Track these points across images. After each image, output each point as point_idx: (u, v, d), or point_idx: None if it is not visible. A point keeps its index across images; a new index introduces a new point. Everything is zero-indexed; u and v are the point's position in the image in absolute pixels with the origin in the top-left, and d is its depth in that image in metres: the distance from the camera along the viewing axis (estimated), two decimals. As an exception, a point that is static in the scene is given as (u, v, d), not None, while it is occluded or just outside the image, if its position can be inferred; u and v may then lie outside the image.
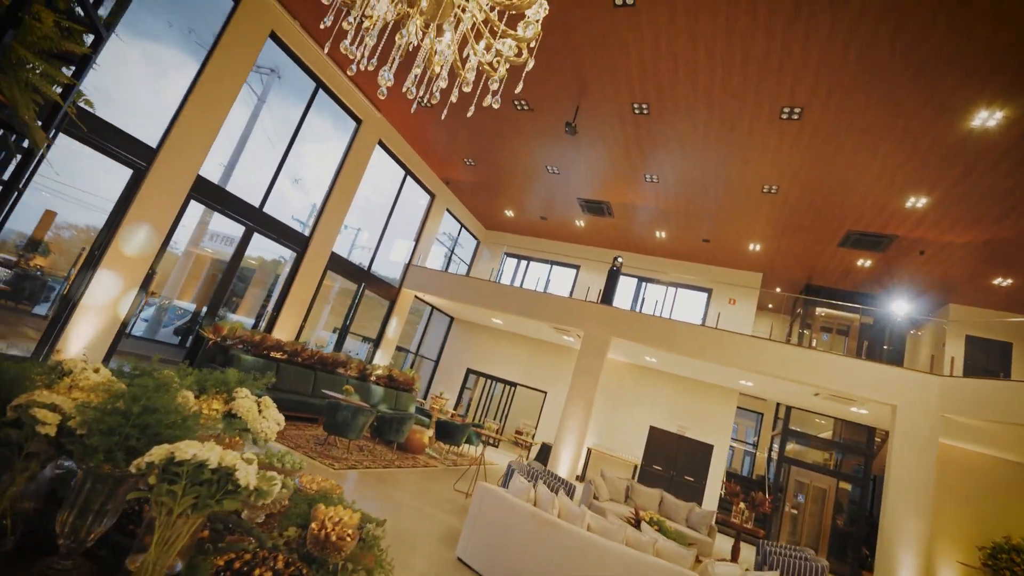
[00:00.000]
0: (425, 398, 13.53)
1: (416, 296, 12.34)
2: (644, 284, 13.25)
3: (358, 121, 9.53)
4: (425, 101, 2.57)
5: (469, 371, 14.02)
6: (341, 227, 9.67)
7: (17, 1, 1.13)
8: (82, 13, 1.47)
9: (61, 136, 5.68)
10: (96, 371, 1.51)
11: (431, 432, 9.10)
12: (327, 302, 14.11)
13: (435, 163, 11.46)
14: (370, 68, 2.39)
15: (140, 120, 6.44)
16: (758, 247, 10.64)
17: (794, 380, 8.51)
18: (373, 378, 10.07)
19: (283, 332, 8.70)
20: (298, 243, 8.93)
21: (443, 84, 2.54)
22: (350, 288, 10.95)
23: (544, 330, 11.71)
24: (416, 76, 2.37)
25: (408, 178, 11.43)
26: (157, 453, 1.03)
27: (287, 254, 9.28)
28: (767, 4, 5.03)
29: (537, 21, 2.39)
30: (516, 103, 7.94)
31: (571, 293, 13.42)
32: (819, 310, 12.45)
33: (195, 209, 11.38)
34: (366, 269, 10.91)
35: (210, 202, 7.36)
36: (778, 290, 12.76)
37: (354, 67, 2.42)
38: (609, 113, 7.50)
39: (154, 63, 9.85)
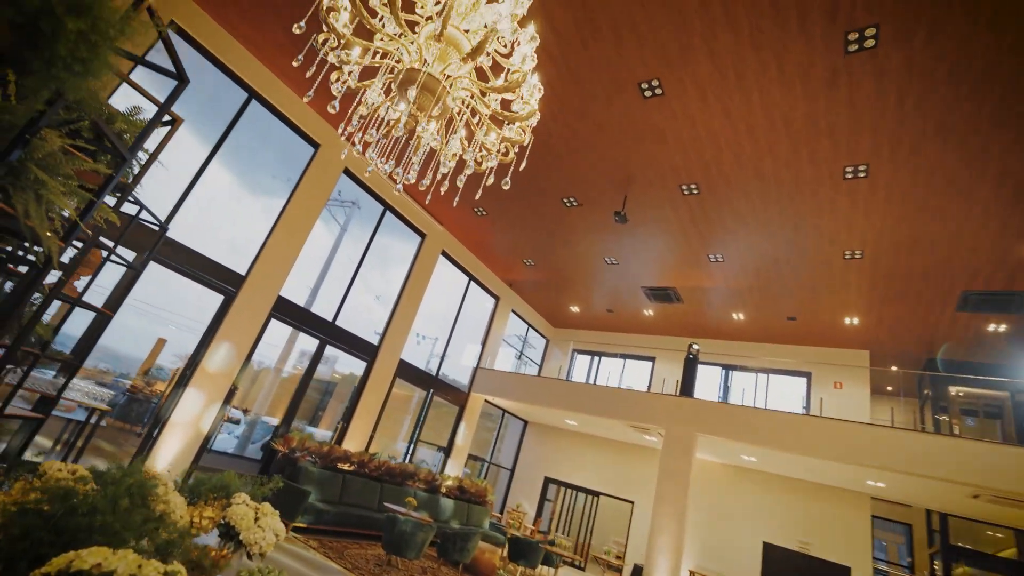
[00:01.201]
0: (501, 512, 12.60)
1: (486, 400, 12.10)
2: (729, 372, 12.08)
3: (422, 235, 10.27)
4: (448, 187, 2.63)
5: (547, 480, 13.03)
6: (408, 335, 10.00)
7: (30, 122, 1.29)
8: (110, 142, 1.68)
9: (169, 272, 6.60)
10: (72, 472, 1.47)
11: (504, 551, 8.27)
12: (405, 412, 14.24)
13: (497, 267, 11.86)
14: (390, 171, 2.50)
15: (234, 250, 7.36)
16: (855, 321, 9.46)
17: (938, 478, 6.91)
18: (443, 490, 9.61)
19: (353, 443, 8.74)
20: (368, 353, 9.28)
21: (450, 168, 2.60)
22: (422, 396, 11.01)
23: (622, 430, 10.80)
24: (417, 159, 2.45)
25: (472, 283, 11.86)
26: (56, 563, 0.91)
27: (360, 366, 9.64)
28: (798, 72, 4.97)
29: (533, 100, 2.45)
30: (565, 200, 8.19)
31: (649, 387, 12.51)
32: (954, 389, 10.48)
33: (283, 329, 12.33)
34: (434, 375, 11.00)
35: (288, 319, 7.98)
36: (894, 369, 11.03)
37: (371, 167, 2.55)
38: (658, 198, 7.47)
39: (248, 202, 11.54)
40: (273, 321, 7.71)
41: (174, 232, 6.51)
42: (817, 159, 5.96)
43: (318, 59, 2.30)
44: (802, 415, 8.52)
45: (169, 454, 6.34)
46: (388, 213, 9.62)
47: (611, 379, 13.37)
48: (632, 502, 11.59)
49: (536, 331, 14.36)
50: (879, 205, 6.41)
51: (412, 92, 1.97)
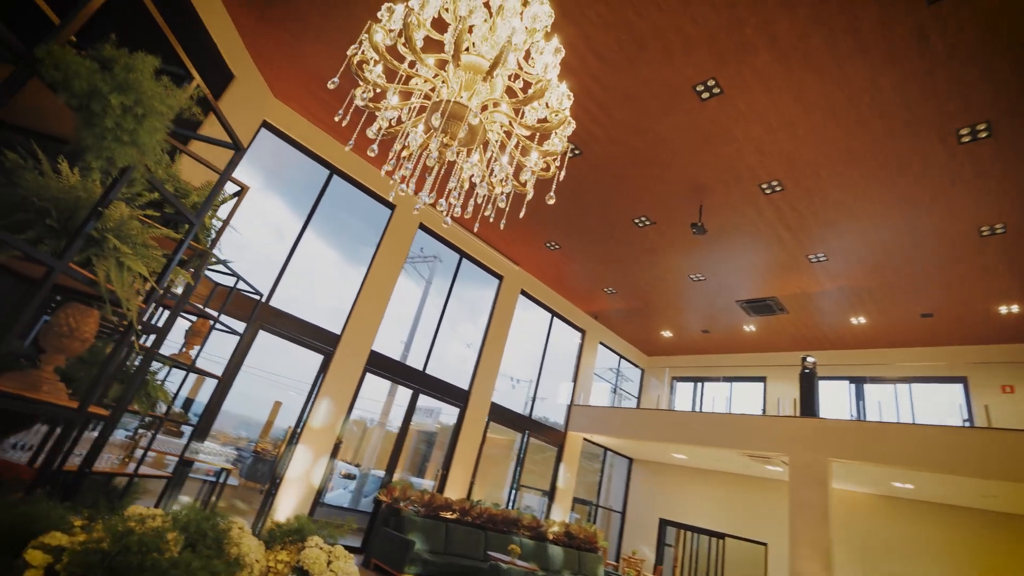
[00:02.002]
0: (616, 559, 11.74)
1: (585, 438, 11.61)
2: (860, 385, 10.55)
3: (499, 277, 10.44)
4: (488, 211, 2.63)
5: (663, 522, 12.00)
6: (497, 378, 10.01)
7: (103, 195, 1.46)
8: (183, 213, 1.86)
9: (275, 338, 7.27)
10: (152, 516, 1.54)
11: (622, 603, 7.60)
12: (504, 457, 14.11)
13: (578, 299, 11.65)
14: (430, 202, 2.53)
15: (329, 312, 7.97)
16: (1014, 309, 7.88)
17: None
18: (550, 536, 9.19)
19: (454, 491, 8.73)
20: (460, 399, 9.40)
21: (495, 193, 2.58)
22: (519, 439, 10.85)
23: (739, 461, 9.74)
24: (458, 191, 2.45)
25: (555, 319, 11.72)
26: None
27: (454, 412, 9.77)
28: (876, 37, 4.45)
29: (566, 137, 2.39)
30: (637, 221, 7.92)
31: (763, 410, 11.27)
32: None
33: (381, 384, 12.92)
34: (527, 416, 10.83)
35: (381, 372, 8.35)
36: (1083, 363, 8.94)
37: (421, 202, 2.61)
38: (738, 202, 6.95)
39: (340, 266, 12.51)
40: (368, 375, 8.11)
41: (277, 301, 7.21)
42: (919, 127, 5.21)
43: (364, 115, 2.46)
44: (964, 428, 7.11)
45: (287, 509, 6.74)
46: (464, 260, 9.94)
47: (717, 405, 12.27)
48: (764, 544, 10.24)
49: (629, 361, 13.73)
50: (1013, 166, 5.41)
51: (436, 120, 2.00)
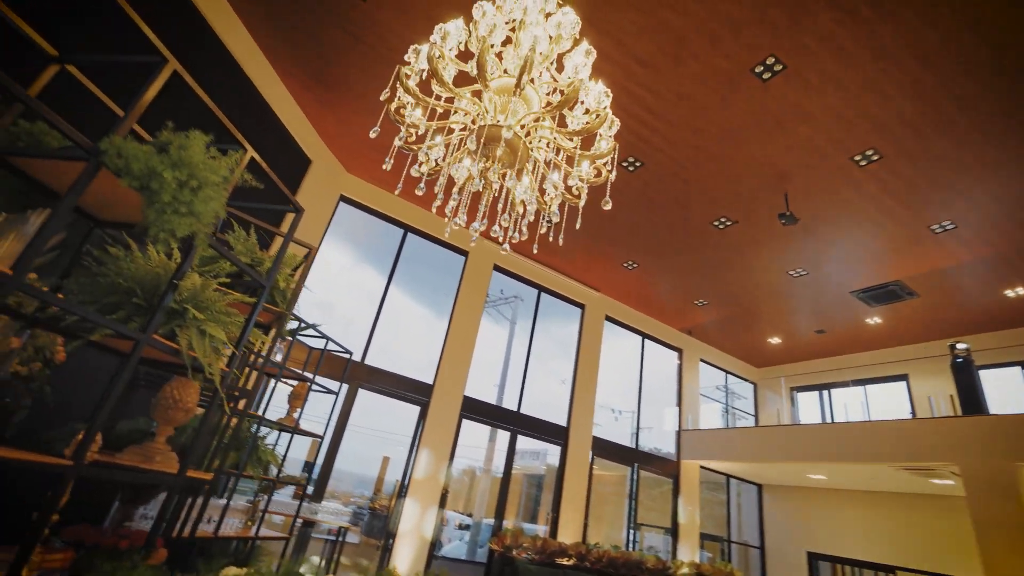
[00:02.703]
0: (764, 603, 10.36)
1: (701, 466, 10.66)
2: (1036, 370, 8.72)
3: (581, 306, 10.20)
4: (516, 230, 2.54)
5: (812, 556, 10.48)
6: (594, 410, 9.60)
7: (178, 268, 1.57)
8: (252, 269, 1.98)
9: (373, 394, 7.59)
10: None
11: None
12: (617, 494, 13.34)
13: (668, 317, 11.03)
14: (482, 229, 2.48)
15: (421, 363, 8.21)
16: None
17: None
18: (680, 579, 8.35)
19: (567, 534, 8.32)
20: (559, 436, 9.10)
21: (551, 209, 2.49)
22: (629, 474, 10.21)
23: (894, 476, 8.32)
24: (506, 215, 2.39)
25: (646, 341, 11.15)
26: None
27: (556, 451, 9.46)
28: (963, -38, 3.89)
29: (612, 136, 2.27)
30: (716, 223, 7.41)
31: (912, 413, 9.66)
32: None
33: (481, 429, 12.99)
34: (634, 448, 10.20)
35: (476, 416, 8.35)
36: None
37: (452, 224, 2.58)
38: (829, 180, 6.26)
39: (425, 317, 12.95)
40: (465, 422, 8.14)
41: (371, 359, 7.56)
42: (1045, 52, 4.40)
43: (409, 158, 2.53)
44: None
45: (404, 563, 6.78)
46: (543, 294, 9.88)
47: (852, 413, 10.74)
48: (950, 576, 8.50)
49: (737, 377, 12.59)
50: None
51: (473, 144, 1.98)
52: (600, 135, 2.29)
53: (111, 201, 1.53)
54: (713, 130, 5.80)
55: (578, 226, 2.65)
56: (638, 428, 10.43)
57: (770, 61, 4.84)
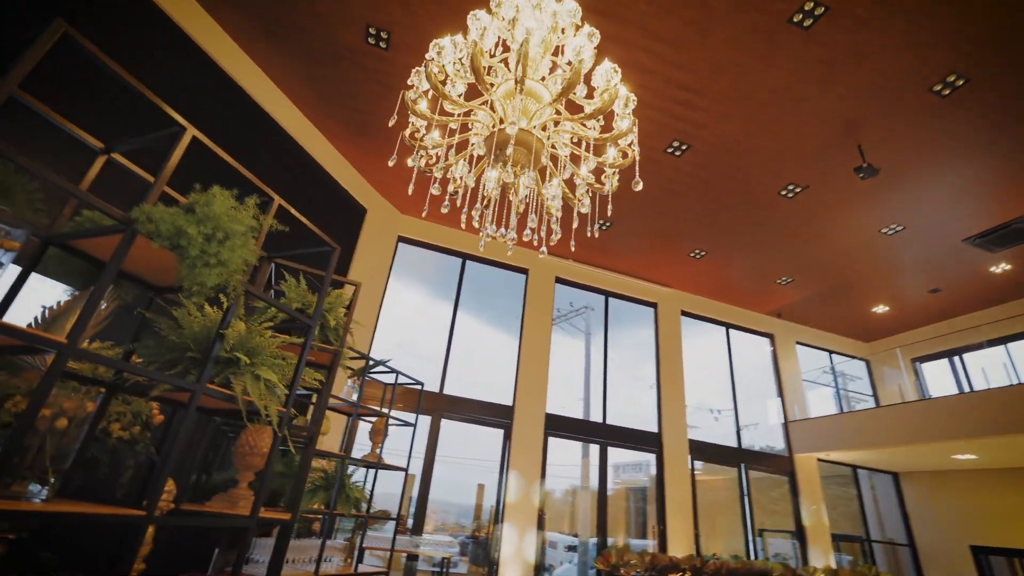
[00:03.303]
0: (926, 610, 9.01)
1: (819, 459, 9.64)
2: None
3: (652, 305, 9.78)
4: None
5: (976, 551, 9.01)
6: (685, 411, 9.05)
7: (222, 319, 1.66)
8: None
9: (456, 422, 7.68)
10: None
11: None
12: (727, 499, 12.39)
13: (750, 302, 10.27)
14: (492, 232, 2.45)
15: (495, 388, 8.22)
16: None
17: None
18: (815, 588, 7.50)
19: (677, 547, 7.80)
20: (652, 443, 8.66)
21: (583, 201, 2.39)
22: (726, 475, 9.46)
23: (1065, 445, 7.00)
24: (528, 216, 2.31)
25: (731, 331, 10.42)
26: None
27: (651, 459, 8.99)
28: None
29: (629, 114, 2.15)
30: (784, 192, 6.84)
31: (1076, 370, 8.14)
32: None
33: (571, 445, 12.75)
34: (737, 447, 9.45)
35: (561, 433, 8.17)
36: None
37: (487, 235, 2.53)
38: (909, 119, 5.56)
39: (496, 340, 12.99)
40: (551, 439, 7.98)
41: (449, 388, 7.68)
42: None
43: (435, 180, 2.55)
44: None
45: (510, 591, 6.67)
46: (611, 300, 9.60)
47: (994, 377, 9.27)
48: None
49: (844, 356, 11.37)
50: None
51: (486, 148, 1.95)
52: (616, 114, 2.17)
53: (164, 267, 1.64)
54: (760, 95, 5.40)
55: (609, 212, 2.52)
56: (738, 426, 9.68)
57: (808, 6, 4.44)
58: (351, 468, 4.11)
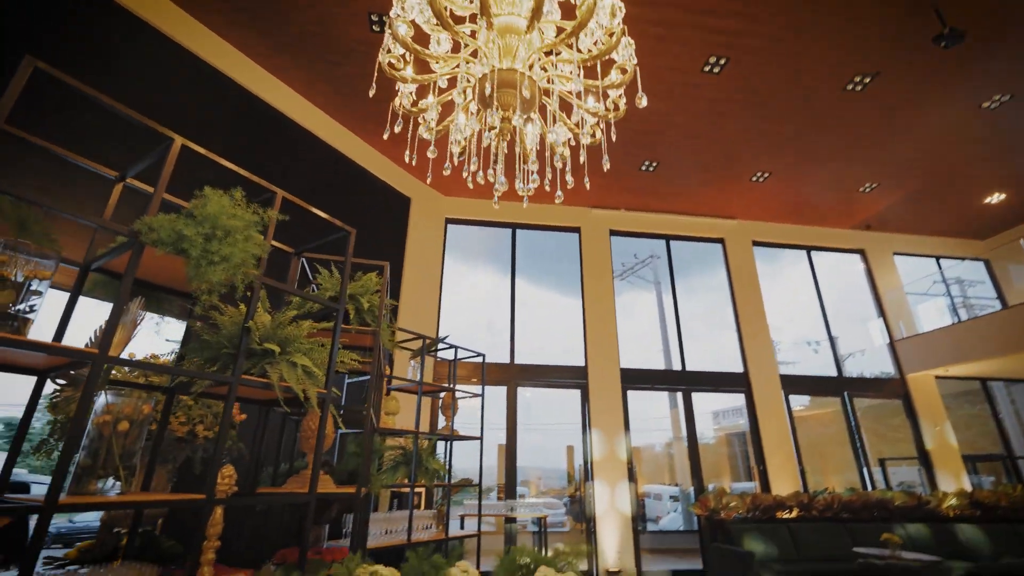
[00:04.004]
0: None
1: (936, 376, 8.69)
2: None
3: (720, 241, 9.19)
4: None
5: None
6: (771, 347, 8.50)
7: (246, 315, 1.75)
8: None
9: (533, 389, 7.78)
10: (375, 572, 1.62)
11: None
12: (834, 432, 11.59)
13: (832, 218, 9.31)
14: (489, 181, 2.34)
15: (566, 350, 8.18)
16: None
17: None
18: (947, 513, 6.86)
19: (782, 486, 7.43)
20: (739, 383, 8.25)
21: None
22: (833, 407, 8.79)
23: None
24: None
25: (813, 253, 9.55)
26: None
27: (741, 399, 8.57)
28: None
29: (619, 25, 1.95)
30: (850, 87, 6.02)
31: None
32: None
33: (653, 396, 12.53)
34: (836, 376, 8.75)
35: (641, 385, 8.00)
36: None
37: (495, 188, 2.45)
38: (997, -34, 4.61)
39: (559, 302, 12.85)
40: (631, 392, 7.85)
41: (520, 357, 7.76)
42: None
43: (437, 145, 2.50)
44: None
45: (611, 540, 6.75)
46: (673, 242, 9.14)
47: None
48: None
49: (955, 259, 10.03)
50: None
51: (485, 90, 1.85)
52: (603, 26, 1.97)
53: (184, 275, 1.74)
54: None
55: (614, 139, 2.32)
56: (835, 353, 8.94)
57: None
58: (438, 443, 4.29)
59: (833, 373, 8.80)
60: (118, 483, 1.51)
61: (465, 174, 2.14)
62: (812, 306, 9.31)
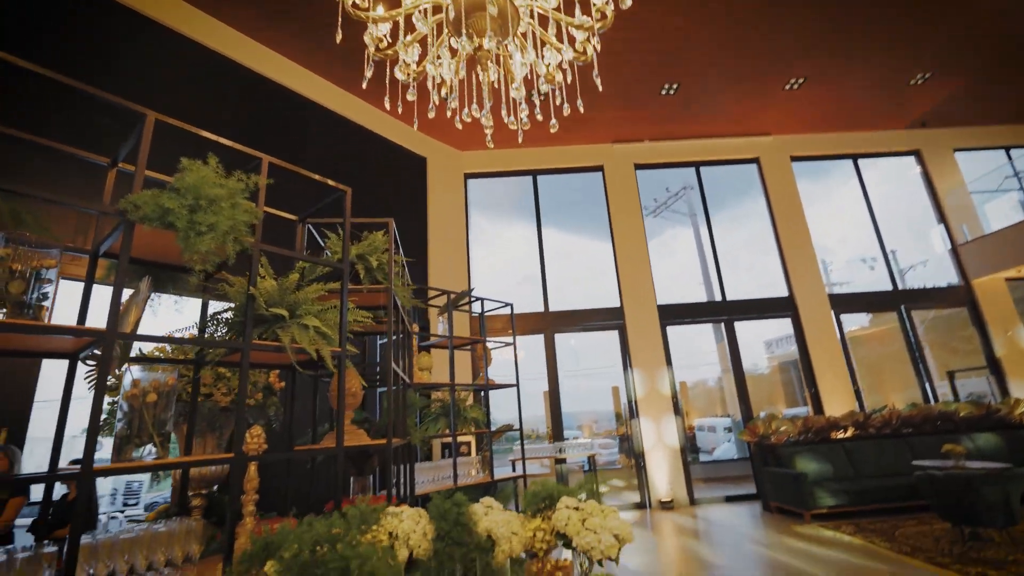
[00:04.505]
0: None
1: (1006, 279, 8.05)
2: None
3: (754, 161, 8.63)
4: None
5: None
6: (817, 266, 8.06)
7: (249, 283, 1.78)
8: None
9: (571, 334, 7.79)
10: (398, 514, 1.67)
11: None
12: (892, 349, 11.07)
13: (880, 119, 8.50)
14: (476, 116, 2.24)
15: (601, 294, 8.08)
16: None
17: None
18: (1020, 420, 6.51)
19: (835, 407, 7.24)
20: (783, 308, 7.94)
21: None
22: (891, 324, 8.33)
23: None
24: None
25: (861, 161, 8.83)
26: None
27: (787, 324, 8.25)
28: None
29: None
30: (892, -38, 5.31)
31: None
32: None
33: (697, 330, 12.33)
34: (891, 289, 8.26)
35: (680, 319, 7.85)
36: None
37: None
38: None
39: (589, 246, 12.59)
40: (670, 328, 7.73)
41: (554, 304, 7.74)
42: None
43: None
44: None
45: (661, 473, 6.86)
46: (703, 169, 8.66)
47: None
48: None
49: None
50: None
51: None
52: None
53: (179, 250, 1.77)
54: None
55: (597, 48, 2.13)
56: (890, 267, 8.39)
57: None
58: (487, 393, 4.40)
59: (889, 288, 8.30)
60: (154, 449, 1.61)
61: (449, 113, 2.04)
62: (864, 221, 8.70)
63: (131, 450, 1.58)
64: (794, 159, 8.62)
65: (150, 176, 1.90)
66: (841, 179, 9.07)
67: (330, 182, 2.19)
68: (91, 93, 1.57)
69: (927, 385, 7.84)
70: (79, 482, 1.28)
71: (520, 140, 2.19)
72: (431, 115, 2.17)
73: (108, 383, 1.60)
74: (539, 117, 2.24)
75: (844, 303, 7.99)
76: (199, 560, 1.64)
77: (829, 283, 12.83)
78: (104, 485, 7.66)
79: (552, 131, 2.19)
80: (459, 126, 2.12)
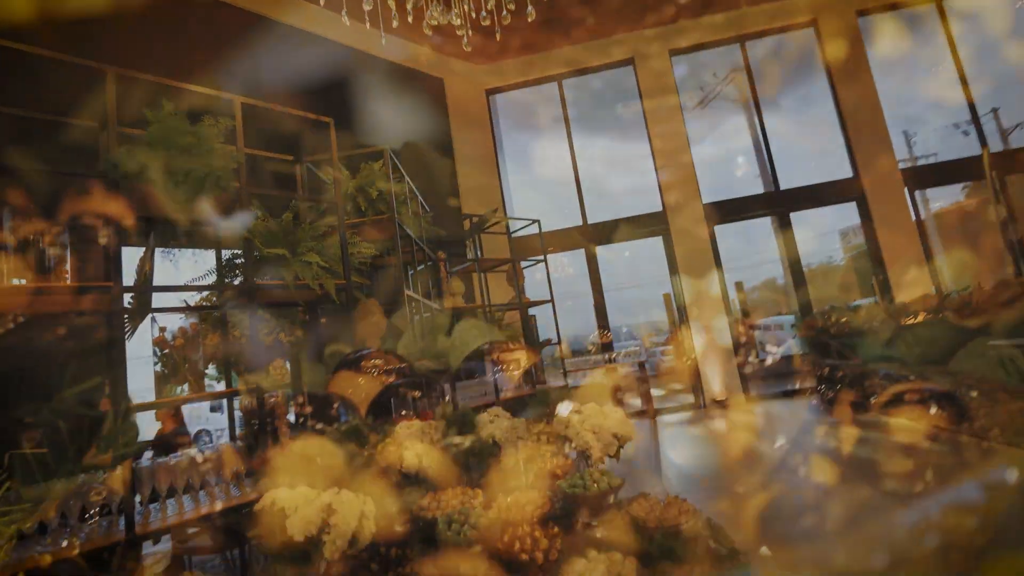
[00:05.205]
0: None
1: None
2: None
3: (811, 24, 7.52)
4: None
5: None
6: (889, 139, 7.15)
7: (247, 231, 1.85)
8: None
9: (616, 247, 7.61)
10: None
11: None
12: (987, 222, 9.92)
13: (972, -55, 7.00)
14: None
15: (640, 199, 7.72)
16: None
17: None
18: None
19: (909, 293, 6.73)
20: (847, 191, 7.25)
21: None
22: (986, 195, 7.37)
23: None
24: None
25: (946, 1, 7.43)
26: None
27: (852, 209, 7.53)
28: None
29: None
30: None
31: None
32: None
33: (759, 225, 11.70)
34: (979, 155, 7.22)
35: (729, 217, 7.42)
36: None
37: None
38: None
39: (624, 150, 11.82)
40: (718, 228, 7.33)
41: (592, 216, 7.51)
42: None
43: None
44: None
45: (714, 374, 6.85)
46: (748, 44, 7.69)
47: None
48: None
49: None
50: None
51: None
52: None
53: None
54: None
55: None
56: (979, 129, 7.30)
57: None
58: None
59: (978, 152, 7.27)
60: (186, 385, 1.79)
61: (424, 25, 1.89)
62: (952, 80, 7.47)
63: (168, 388, 1.77)
64: (860, 13, 7.40)
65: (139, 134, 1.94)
66: (926, 35, 7.71)
67: (311, 115, 2.15)
68: (59, 58, 1.59)
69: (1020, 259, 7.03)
70: (116, 416, 1.46)
71: (498, 37, 2.01)
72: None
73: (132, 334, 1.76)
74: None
75: (918, 177, 7.14)
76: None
77: (912, 156, 11.45)
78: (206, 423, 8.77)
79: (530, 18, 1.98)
80: (427, 31, 1.97)
